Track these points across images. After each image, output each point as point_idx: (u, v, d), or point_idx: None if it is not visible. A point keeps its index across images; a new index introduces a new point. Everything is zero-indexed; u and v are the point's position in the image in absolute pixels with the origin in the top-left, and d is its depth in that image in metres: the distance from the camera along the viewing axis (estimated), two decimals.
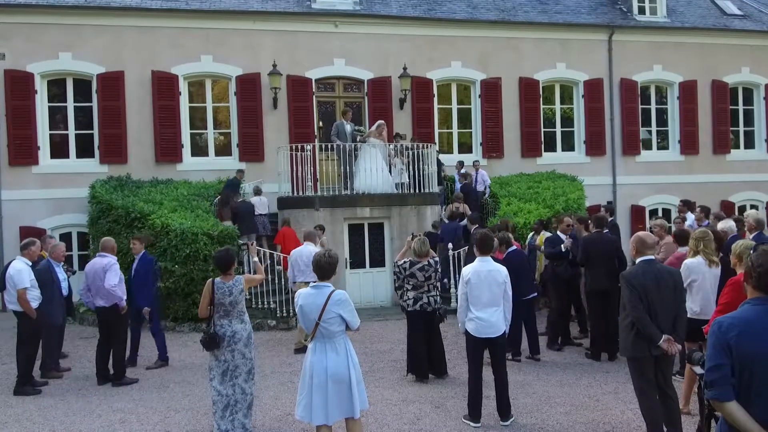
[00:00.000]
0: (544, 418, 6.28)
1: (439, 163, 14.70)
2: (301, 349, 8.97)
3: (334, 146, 13.10)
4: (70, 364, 8.88)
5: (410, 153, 13.47)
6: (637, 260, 5.32)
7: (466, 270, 6.15)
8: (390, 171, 13.33)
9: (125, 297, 7.96)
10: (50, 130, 14.39)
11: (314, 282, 4.93)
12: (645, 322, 5.03)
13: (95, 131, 14.45)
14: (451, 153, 16.56)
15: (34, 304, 7.62)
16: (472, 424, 6.06)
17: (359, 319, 4.94)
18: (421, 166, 13.39)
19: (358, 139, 13.14)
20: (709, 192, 17.64)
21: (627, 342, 5.21)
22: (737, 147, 18.77)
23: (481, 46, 16.59)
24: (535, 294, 9.02)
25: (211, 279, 5.93)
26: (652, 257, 5.33)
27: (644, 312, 5.05)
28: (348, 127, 13.43)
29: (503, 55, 16.72)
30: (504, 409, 6.12)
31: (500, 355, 6.16)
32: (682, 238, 7.58)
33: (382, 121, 13.47)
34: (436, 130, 16.45)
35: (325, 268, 4.85)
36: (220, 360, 5.81)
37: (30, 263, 7.84)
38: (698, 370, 3.37)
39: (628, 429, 5.94)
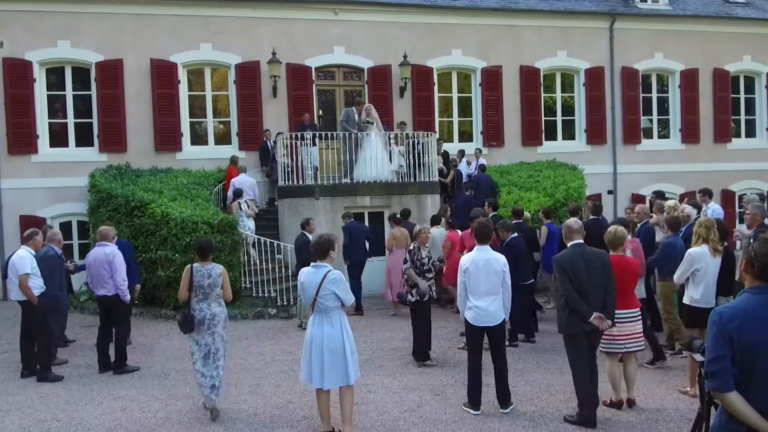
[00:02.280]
0: (543, 405, 6.31)
1: (446, 153, 14.85)
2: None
3: (338, 135, 13.10)
4: (72, 352, 8.90)
5: (410, 141, 13.46)
6: (568, 244, 5.77)
7: (464, 259, 6.16)
8: (390, 158, 13.32)
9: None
10: (49, 118, 14.33)
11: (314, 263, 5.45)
12: (575, 300, 5.48)
13: (94, 120, 14.39)
14: (452, 141, 16.50)
15: (36, 293, 7.63)
16: (472, 411, 6.08)
17: (353, 297, 5.52)
18: (420, 155, 13.39)
19: (367, 130, 13.06)
20: (710, 181, 17.54)
21: (562, 319, 5.67)
22: (738, 136, 18.71)
23: (482, 34, 16.49)
24: (532, 280, 9.08)
25: (189, 264, 6.26)
26: (581, 241, 5.77)
27: (574, 291, 5.48)
28: (357, 117, 13.41)
29: (504, 43, 16.63)
30: (504, 397, 6.15)
31: (500, 344, 6.17)
32: (675, 225, 7.80)
33: (369, 104, 13.55)
34: (437, 119, 16.39)
35: (317, 249, 5.43)
36: (200, 344, 6.12)
37: (34, 252, 7.85)
38: (698, 357, 3.36)
39: (626, 416, 5.97)
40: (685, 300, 6.54)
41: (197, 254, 6.24)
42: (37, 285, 7.67)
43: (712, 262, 6.36)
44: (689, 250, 6.50)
